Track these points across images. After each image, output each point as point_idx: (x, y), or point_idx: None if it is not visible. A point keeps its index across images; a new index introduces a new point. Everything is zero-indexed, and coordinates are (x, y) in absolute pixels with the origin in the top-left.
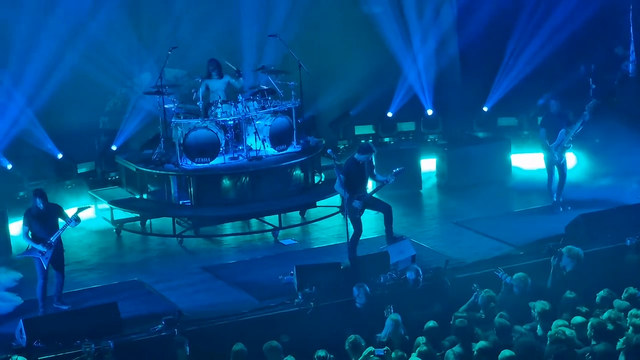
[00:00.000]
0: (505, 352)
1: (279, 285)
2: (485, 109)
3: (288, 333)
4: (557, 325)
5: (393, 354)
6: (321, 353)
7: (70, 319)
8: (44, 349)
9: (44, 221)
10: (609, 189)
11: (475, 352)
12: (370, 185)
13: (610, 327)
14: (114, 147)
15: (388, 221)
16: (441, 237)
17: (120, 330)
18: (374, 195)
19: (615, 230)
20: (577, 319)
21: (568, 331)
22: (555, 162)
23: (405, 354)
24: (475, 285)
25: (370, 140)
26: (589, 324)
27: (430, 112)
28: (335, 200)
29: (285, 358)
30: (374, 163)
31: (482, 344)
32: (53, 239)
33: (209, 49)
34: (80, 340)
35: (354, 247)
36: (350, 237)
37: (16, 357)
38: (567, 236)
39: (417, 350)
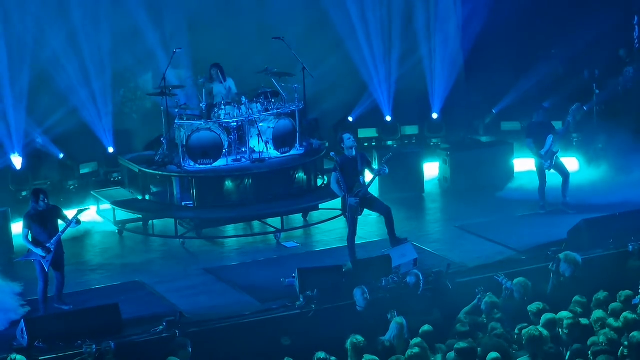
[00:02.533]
0: (492, 355)
1: (281, 288)
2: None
3: (289, 335)
4: (547, 318)
5: (392, 358)
6: (321, 355)
7: (71, 319)
8: (45, 349)
9: (43, 223)
10: (612, 195)
11: (454, 353)
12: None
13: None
14: (110, 149)
15: (389, 223)
16: (443, 241)
17: (121, 331)
18: (375, 196)
19: (618, 236)
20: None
21: (545, 331)
22: (547, 168)
23: (403, 358)
24: (480, 289)
25: (374, 143)
26: (564, 323)
27: (435, 115)
28: (338, 203)
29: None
30: (369, 159)
31: (460, 344)
32: (52, 243)
33: (213, 51)
34: (82, 341)
35: (353, 248)
36: (347, 239)
37: (14, 356)
38: (570, 241)
39: (407, 354)
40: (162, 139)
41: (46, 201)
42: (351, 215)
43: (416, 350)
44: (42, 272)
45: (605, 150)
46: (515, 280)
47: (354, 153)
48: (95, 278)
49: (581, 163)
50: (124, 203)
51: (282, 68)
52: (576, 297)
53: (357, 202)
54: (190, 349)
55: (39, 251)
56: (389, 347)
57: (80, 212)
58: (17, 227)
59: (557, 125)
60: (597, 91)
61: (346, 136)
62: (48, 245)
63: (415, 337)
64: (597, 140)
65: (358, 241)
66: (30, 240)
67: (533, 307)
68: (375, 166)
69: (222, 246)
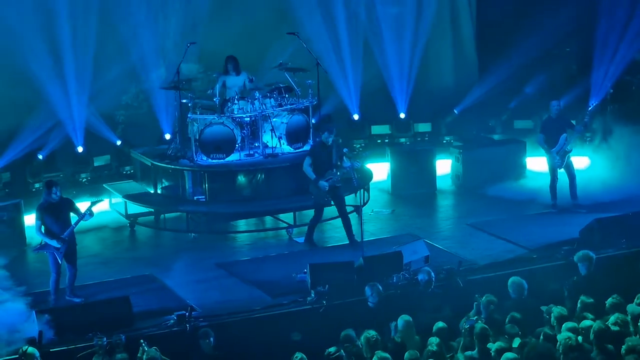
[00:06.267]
0: (508, 355)
1: (292, 283)
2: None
3: (300, 331)
4: (567, 327)
5: (406, 355)
6: (331, 350)
7: (82, 311)
8: (56, 341)
9: (56, 215)
10: (625, 194)
11: (493, 354)
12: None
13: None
14: (118, 142)
15: (346, 224)
16: (455, 238)
17: (132, 324)
18: (343, 196)
19: (630, 235)
20: (586, 322)
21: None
22: (558, 167)
23: (419, 354)
24: (477, 296)
25: (387, 140)
26: (591, 329)
27: (456, 112)
28: (350, 199)
29: (296, 355)
30: (344, 150)
31: (499, 344)
32: (66, 234)
33: (227, 45)
34: (92, 334)
35: (312, 231)
36: (310, 220)
37: (26, 347)
38: (582, 241)
39: (426, 350)
40: (163, 136)
41: (58, 193)
42: (317, 199)
43: (434, 348)
44: (55, 264)
45: (618, 149)
46: (510, 280)
47: (330, 142)
48: (106, 271)
49: (593, 162)
50: (136, 196)
51: (296, 63)
52: (582, 297)
53: (327, 187)
54: (212, 339)
55: (53, 243)
56: (400, 343)
57: (93, 204)
58: (30, 219)
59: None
60: (611, 90)
61: (327, 134)
62: (62, 236)
63: (425, 333)
64: (610, 138)
65: (368, 237)
66: (43, 232)
67: (556, 311)
68: (345, 158)
69: (233, 241)
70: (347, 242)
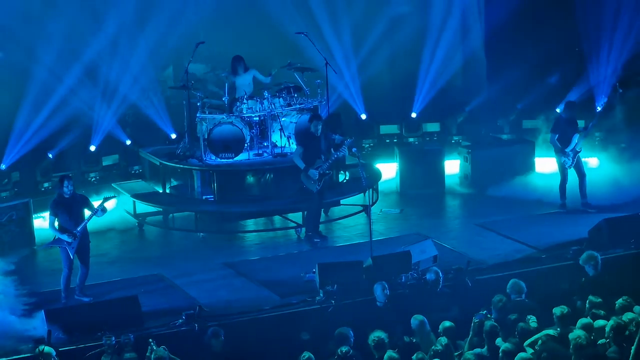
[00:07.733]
0: (522, 355)
1: (301, 283)
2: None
3: (309, 331)
4: (578, 326)
5: (414, 357)
6: (344, 348)
7: (91, 311)
8: (64, 340)
9: (69, 211)
10: (633, 194)
11: (500, 354)
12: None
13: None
14: (127, 142)
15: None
16: (463, 238)
17: (140, 323)
18: (328, 184)
19: (639, 235)
20: (599, 322)
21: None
22: (567, 166)
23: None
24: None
25: (395, 140)
26: (608, 325)
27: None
28: (358, 198)
29: (303, 354)
30: (334, 138)
31: (506, 346)
32: (79, 229)
33: (235, 45)
34: (101, 333)
35: (316, 223)
36: (307, 214)
37: (43, 347)
38: (590, 241)
39: (432, 349)
40: (184, 132)
41: (70, 187)
42: (308, 186)
43: (440, 347)
44: (67, 260)
45: (628, 149)
46: (510, 282)
47: (319, 132)
48: (114, 271)
49: (603, 162)
50: (145, 196)
51: (305, 63)
52: (590, 297)
53: (317, 175)
54: (222, 338)
55: (64, 237)
56: (409, 343)
57: (105, 200)
58: (39, 219)
59: (581, 123)
60: (621, 90)
61: (314, 124)
62: (74, 231)
63: (433, 333)
64: (620, 139)
65: (377, 237)
66: (57, 227)
67: (557, 310)
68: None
69: (242, 240)
70: (355, 242)
